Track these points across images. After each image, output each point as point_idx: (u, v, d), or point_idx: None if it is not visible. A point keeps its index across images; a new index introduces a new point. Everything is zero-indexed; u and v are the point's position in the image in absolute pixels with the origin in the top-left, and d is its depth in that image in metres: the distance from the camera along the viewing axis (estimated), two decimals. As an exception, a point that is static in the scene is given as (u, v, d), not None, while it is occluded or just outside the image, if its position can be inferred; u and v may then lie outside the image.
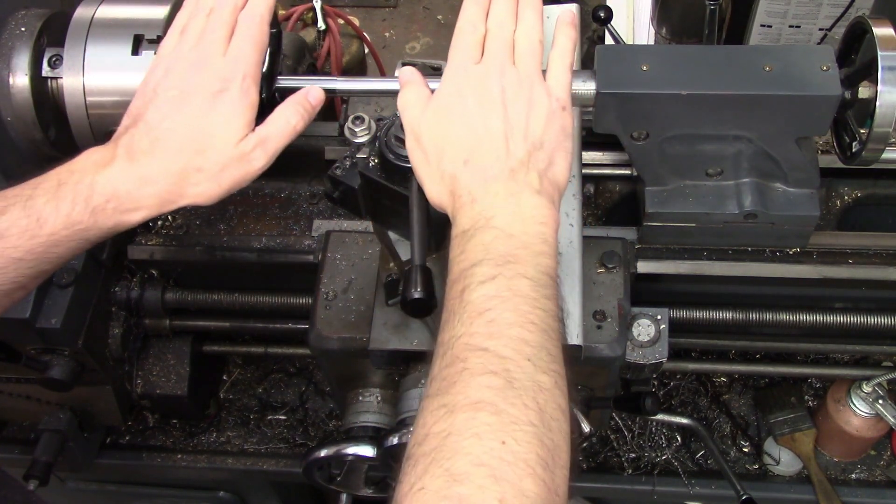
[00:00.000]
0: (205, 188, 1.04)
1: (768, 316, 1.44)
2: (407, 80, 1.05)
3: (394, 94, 1.08)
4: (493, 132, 0.97)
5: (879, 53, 1.14)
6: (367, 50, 1.99)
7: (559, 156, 0.99)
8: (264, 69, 1.10)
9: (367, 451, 1.33)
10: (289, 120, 1.07)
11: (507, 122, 0.97)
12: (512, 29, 1.05)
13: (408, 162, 1.06)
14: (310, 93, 1.10)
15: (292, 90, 1.20)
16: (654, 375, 1.43)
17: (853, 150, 1.24)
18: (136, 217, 1.03)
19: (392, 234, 1.21)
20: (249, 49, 1.06)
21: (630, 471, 1.65)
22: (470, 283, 0.87)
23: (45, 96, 1.28)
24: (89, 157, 1.03)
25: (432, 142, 0.99)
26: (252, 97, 1.05)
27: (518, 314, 0.85)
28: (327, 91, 1.20)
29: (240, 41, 1.07)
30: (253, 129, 1.06)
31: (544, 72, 1.04)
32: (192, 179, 1.03)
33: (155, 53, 1.22)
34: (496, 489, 0.73)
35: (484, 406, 0.78)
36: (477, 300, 0.86)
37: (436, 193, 0.99)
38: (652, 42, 1.74)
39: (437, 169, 0.98)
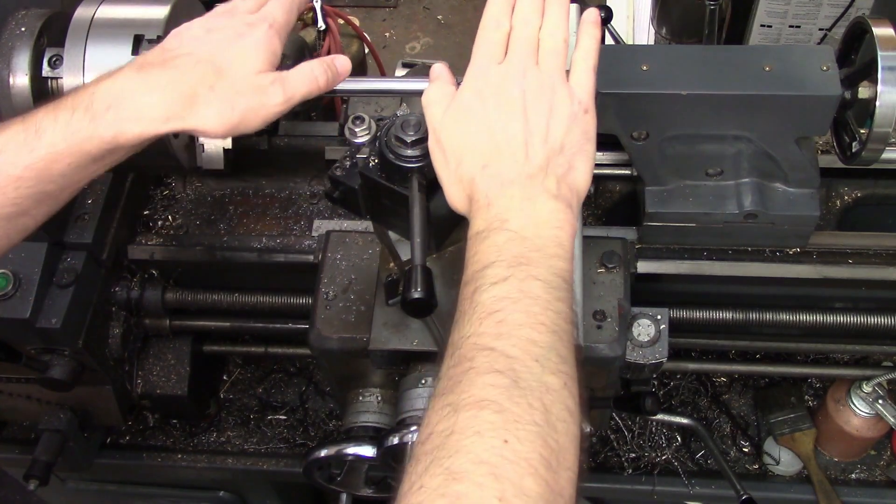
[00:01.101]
0: (216, 110, 0.99)
1: (768, 316, 1.44)
2: (435, 76, 1.05)
3: (394, 94, 1.08)
4: (512, 138, 0.96)
5: (879, 53, 1.14)
6: (367, 50, 1.98)
7: (579, 160, 0.98)
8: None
9: (367, 451, 1.33)
10: (313, 70, 1.06)
11: (527, 126, 0.96)
12: (537, 26, 1.04)
13: (408, 162, 1.06)
14: (337, 59, 1.10)
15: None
16: (654, 375, 1.43)
17: (853, 150, 1.24)
18: (136, 128, 0.98)
19: (392, 234, 1.21)
20: (279, 9, 1.08)
21: (630, 471, 1.65)
22: (481, 284, 0.87)
23: (45, 96, 1.28)
24: (97, 76, 1.02)
25: (452, 145, 0.98)
26: (274, 45, 1.05)
27: (528, 315, 0.84)
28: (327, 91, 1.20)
29: (272, 4, 1.09)
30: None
31: (568, 72, 1.02)
32: (203, 97, 0.99)
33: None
34: (496, 487, 0.72)
35: (488, 405, 0.77)
36: (487, 301, 0.85)
37: (455, 197, 0.98)
38: (652, 42, 1.74)
39: (455, 173, 0.97)
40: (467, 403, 0.78)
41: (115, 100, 0.97)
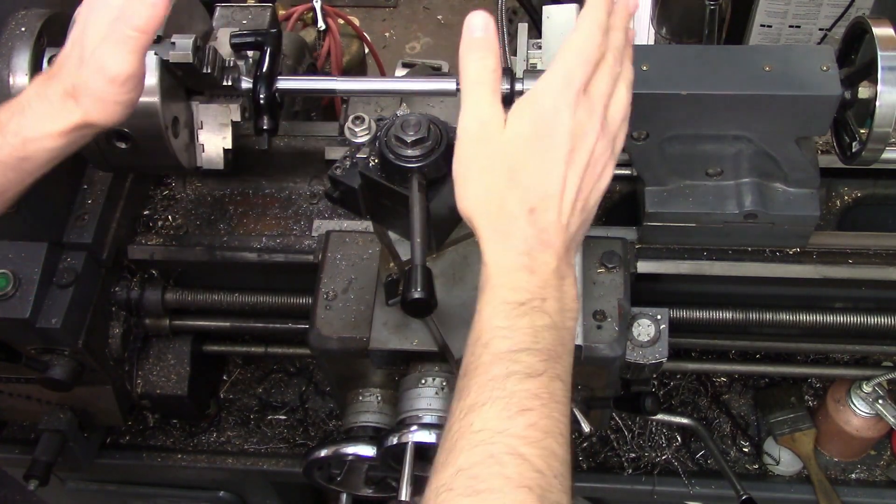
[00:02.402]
0: (90, 109, 1.03)
1: (768, 316, 1.44)
2: (483, 80, 0.93)
3: (394, 94, 1.07)
4: (568, 189, 0.92)
5: (879, 53, 1.14)
6: (367, 50, 1.99)
7: (585, 230, 0.98)
8: (264, 69, 1.07)
9: (367, 451, 1.33)
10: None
11: (581, 182, 0.92)
12: (618, 73, 0.96)
13: (408, 162, 1.06)
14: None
15: (292, 90, 1.20)
16: (654, 375, 1.43)
17: (853, 150, 1.24)
18: (36, 134, 1.04)
19: (392, 234, 1.21)
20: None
21: (630, 471, 1.66)
22: (516, 370, 0.87)
23: (45, 96, 1.28)
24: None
25: (512, 156, 0.91)
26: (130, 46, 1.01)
27: (552, 422, 0.86)
28: (327, 91, 1.20)
29: None
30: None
31: None
32: (81, 99, 1.03)
33: (155, 54, 1.22)
34: None
35: None
36: (520, 394, 0.86)
37: (481, 204, 0.93)
38: (652, 42, 1.74)
39: (498, 191, 0.92)
40: None
41: (21, 109, 1.05)
